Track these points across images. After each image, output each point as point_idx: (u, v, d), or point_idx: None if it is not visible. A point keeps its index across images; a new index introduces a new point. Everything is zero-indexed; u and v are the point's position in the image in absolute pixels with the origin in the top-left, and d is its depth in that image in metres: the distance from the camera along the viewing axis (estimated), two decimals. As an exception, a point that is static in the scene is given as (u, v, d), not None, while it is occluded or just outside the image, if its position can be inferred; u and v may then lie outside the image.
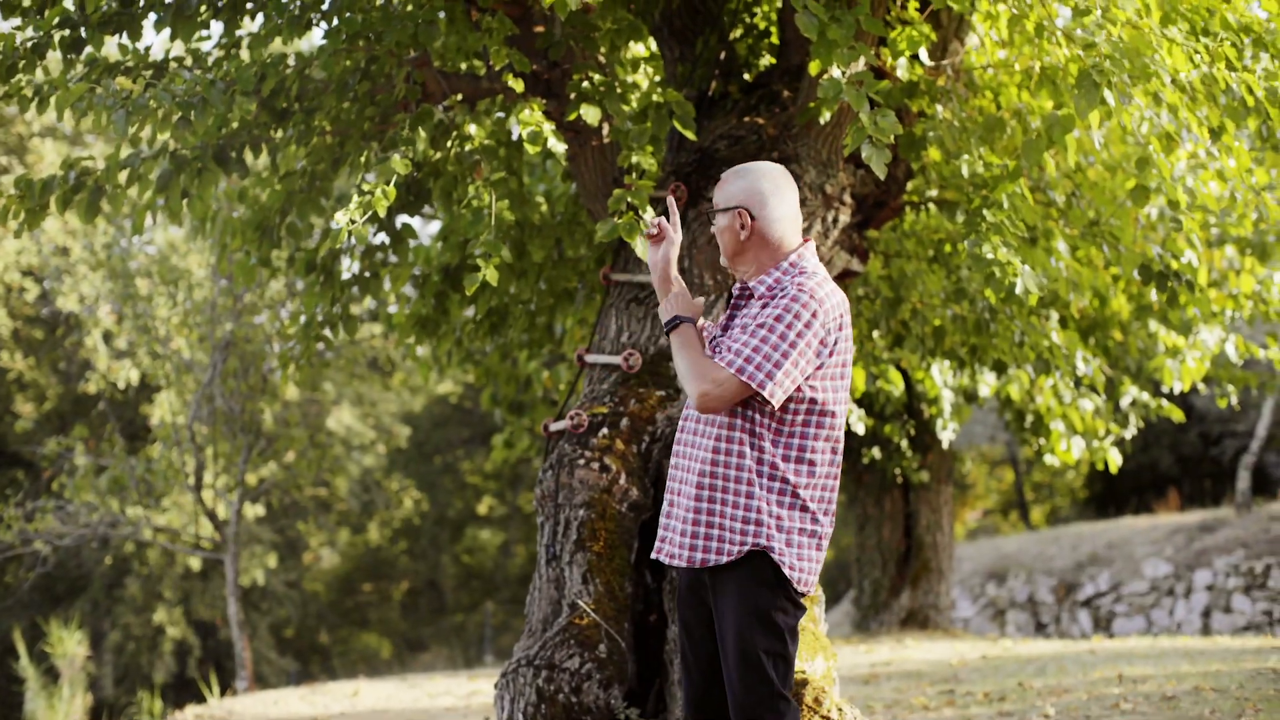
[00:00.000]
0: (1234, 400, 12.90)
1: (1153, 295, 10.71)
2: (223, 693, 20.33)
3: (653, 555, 5.31)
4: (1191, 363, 11.44)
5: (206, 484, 17.43)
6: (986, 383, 13.49)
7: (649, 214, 7.11)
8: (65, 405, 27.70)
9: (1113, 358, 13.41)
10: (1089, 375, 10.70)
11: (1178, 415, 12.46)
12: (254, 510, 21.37)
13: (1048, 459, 13.48)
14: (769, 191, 5.22)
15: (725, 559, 5.09)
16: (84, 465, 17.41)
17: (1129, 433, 13.66)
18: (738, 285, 5.28)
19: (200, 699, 19.58)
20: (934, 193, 9.67)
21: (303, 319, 9.85)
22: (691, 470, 5.16)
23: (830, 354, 5.08)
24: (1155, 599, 21.55)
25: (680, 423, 5.26)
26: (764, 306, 5.08)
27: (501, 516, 39.24)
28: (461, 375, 31.01)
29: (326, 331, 9.41)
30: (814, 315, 5.01)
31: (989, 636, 18.86)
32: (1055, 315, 10.58)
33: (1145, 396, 13.21)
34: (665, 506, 5.27)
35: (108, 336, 21.10)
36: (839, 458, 5.23)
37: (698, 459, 5.15)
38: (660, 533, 5.29)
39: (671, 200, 5.32)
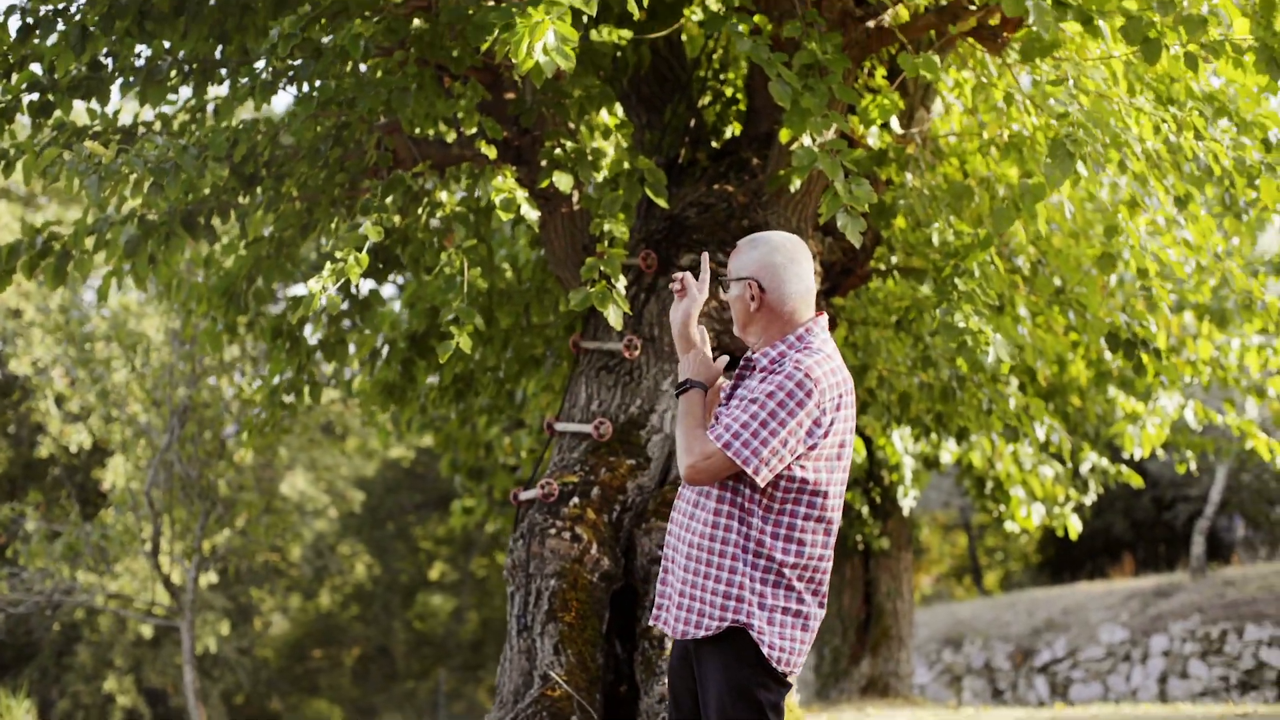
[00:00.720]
0: (1193, 466, 12.96)
1: (1112, 361, 10.76)
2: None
3: (649, 622, 5.28)
4: (1152, 429, 11.48)
5: (163, 550, 17.28)
6: (949, 449, 13.51)
7: (621, 282, 7.10)
8: (16, 470, 27.45)
9: (1072, 423, 13.45)
10: (1055, 443, 10.72)
11: (1137, 481, 12.50)
12: (207, 577, 21.18)
13: (1008, 525, 13.48)
14: (782, 264, 5.12)
15: (705, 633, 5.03)
16: (38, 531, 17.23)
17: (1089, 499, 13.70)
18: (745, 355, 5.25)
19: (152, 768, 19.36)
20: (897, 259, 9.71)
21: (264, 384, 9.81)
22: (683, 540, 5.12)
23: (825, 434, 4.98)
24: (1112, 665, 21.56)
25: (679, 489, 5.21)
26: (762, 380, 5.03)
27: (454, 582, 39.03)
28: (417, 440, 30.90)
29: (290, 397, 9.36)
30: (808, 394, 4.91)
31: (948, 704, 18.82)
32: (1015, 381, 10.61)
33: (1105, 462, 13.25)
34: (661, 573, 5.22)
35: (60, 400, 20.94)
36: (831, 538, 5.10)
37: (689, 529, 5.10)
38: (657, 599, 5.25)
39: (705, 258, 5.22)
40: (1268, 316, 9.63)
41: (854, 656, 16.80)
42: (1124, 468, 12.94)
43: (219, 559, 19.02)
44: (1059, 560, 32.06)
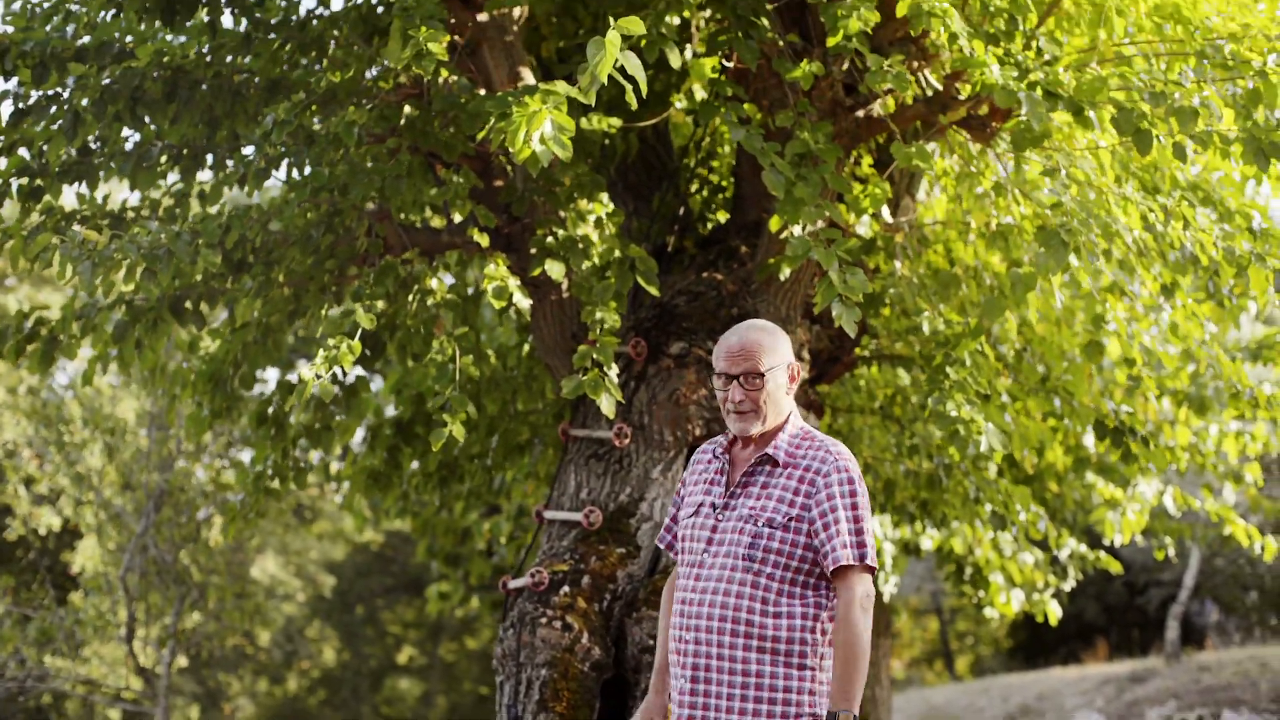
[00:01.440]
0: (1171, 552, 12.99)
1: (1093, 448, 10.79)
2: None
3: None
4: (1132, 515, 11.50)
5: (138, 635, 17.14)
6: (930, 536, 13.50)
7: (613, 371, 7.10)
8: (-17, 552, 27.25)
9: (1050, 509, 13.46)
10: (1041, 530, 10.73)
11: (1116, 567, 12.51)
12: (177, 661, 21.03)
13: (988, 611, 13.46)
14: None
15: None
16: (9, 615, 17.08)
17: (1068, 584, 13.69)
18: (748, 451, 5.23)
19: None
20: (881, 345, 9.73)
21: (241, 469, 9.78)
22: (739, 645, 5.06)
23: None
24: (1088, 751, 21.49)
25: (695, 584, 5.14)
26: (809, 477, 5.06)
27: (422, 666, 38.77)
28: (389, 524, 30.77)
29: (275, 483, 9.33)
30: (860, 479, 5.17)
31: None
32: (994, 468, 10.62)
33: (1083, 548, 13.26)
34: (696, 676, 5.12)
35: (29, 482, 20.81)
36: None
37: (747, 634, 5.06)
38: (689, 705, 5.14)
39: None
40: (1252, 404, 9.67)
41: (832, 744, 16.71)
42: (1103, 554, 12.95)
43: (191, 643, 18.88)
44: (1031, 645, 32.03)
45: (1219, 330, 10.57)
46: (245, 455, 18.21)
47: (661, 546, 5.49)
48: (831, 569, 5.01)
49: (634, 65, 5.63)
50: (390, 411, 11.51)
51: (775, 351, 5.14)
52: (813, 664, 5.05)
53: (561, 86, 5.97)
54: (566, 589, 7.32)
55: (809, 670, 5.04)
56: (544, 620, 7.23)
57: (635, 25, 5.60)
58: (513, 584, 7.53)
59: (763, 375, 5.11)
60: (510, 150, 5.92)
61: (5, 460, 20.09)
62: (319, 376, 6.75)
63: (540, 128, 5.88)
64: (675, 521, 5.45)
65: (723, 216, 9.24)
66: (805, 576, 5.05)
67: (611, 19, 5.76)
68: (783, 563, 5.02)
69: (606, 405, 6.97)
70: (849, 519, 5.02)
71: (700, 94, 9.32)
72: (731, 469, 5.24)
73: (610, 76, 5.66)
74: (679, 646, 5.11)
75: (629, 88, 5.83)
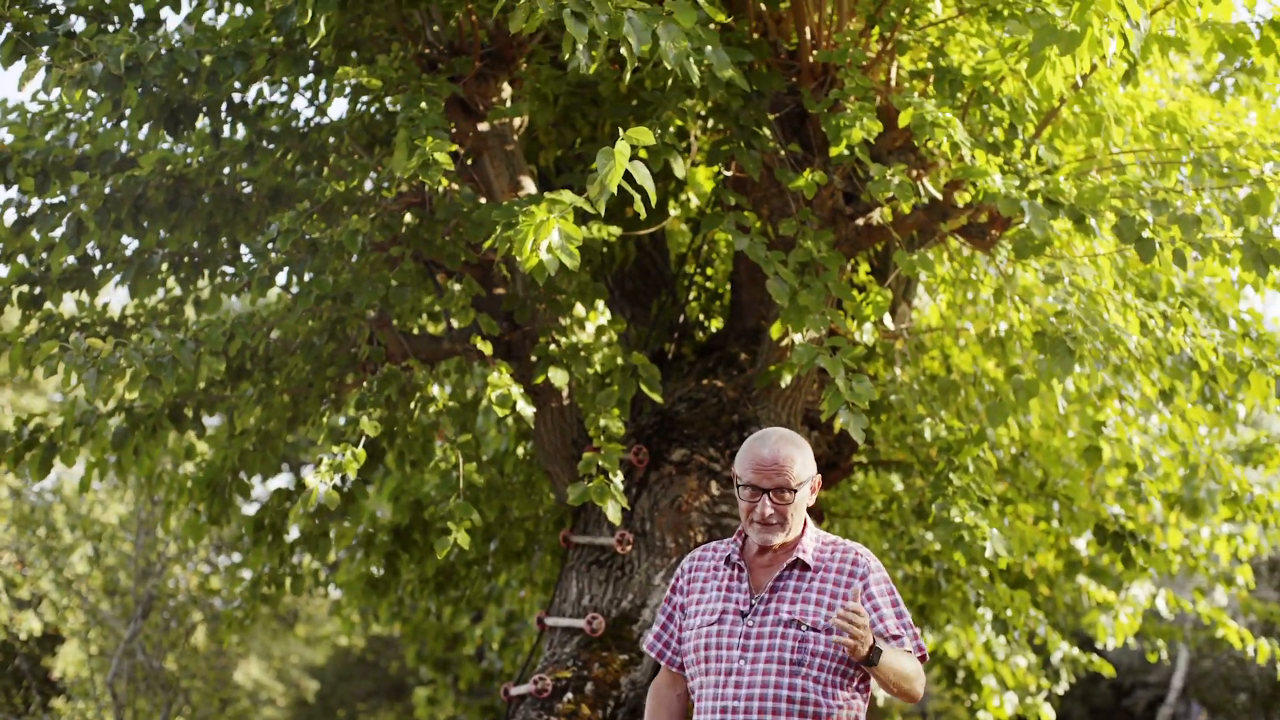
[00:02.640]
0: (1164, 654, 12.97)
1: (1085, 552, 10.80)
2: None
3: None
4: (1125, 618, 11.50)
5: (124, 743, 17.02)
6: (926, 640, 13.48)
7: (618, 478, 7.09)
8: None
9: (1042, 612, 13.44)
10: (1041, 635, 10.72)
11: (1109, 670, 12.47)
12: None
13: (980, 715, 13.40)
14: None
15: None
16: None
17: (1060, 688, 13.64)
18: (767, 557, 5.23)
19: None
20: (872, 451, 9.74)
21: (232, 574, 9.76)
22: None
23: None
24: None
25: (735, 692, 5.11)
26: (844, 580, 5.09)
27: (405, 773, 38.44)
28: (378, 630, 30.59)
29: (270, 589, 9.30)
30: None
31: None
32: (985, 572, 10.61)
33: (1075, 651, 13.22)
34: None
35: (10, 586, 20.69)
36: None
37: None
38: None
39: None
40: (1250, 508, 9.69)
41: None
42: (1095, 656, 12.92)
43: (180, 751, 18.75)
44: (1017, 748, 31.82)
45: (1216, 434, 10.62)
46: (232, 559, 18.14)
47: (652, 655, 5.40)
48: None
49: (643, 175, 5.66)
50: (383, 515, 11.50)
51: (806, 465, 5.13)
52: None
53: (568, 196, 6.00)
54: (570, 696, 7.29)
55: None
56: (548, 728, 7.20)
57: (645, 136, 5.64)
58: (515, 691, 7.50)
59: (795, 490, 5.10)
60: (517, 259, 5.94)
61: (-13, 566, 19.99)
62: (324, 484, 6.73)
63: (548, 237, 5.90)
64: (668, 629, 5.41)
65: (718, 324, 9.28)
66: (844, 679, 5.07)
67: (620, 129, 5.80)
68: (829, 665, 5.03)
69: (612, 512, 6.96)
70: (894, 612, 5.05)
71: (695, 202, 9.39)
72: (752, 575, 5.23)
73: (624, 187, 5.70)
74: None
75: (637, 197, 5.87)
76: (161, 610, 16.82)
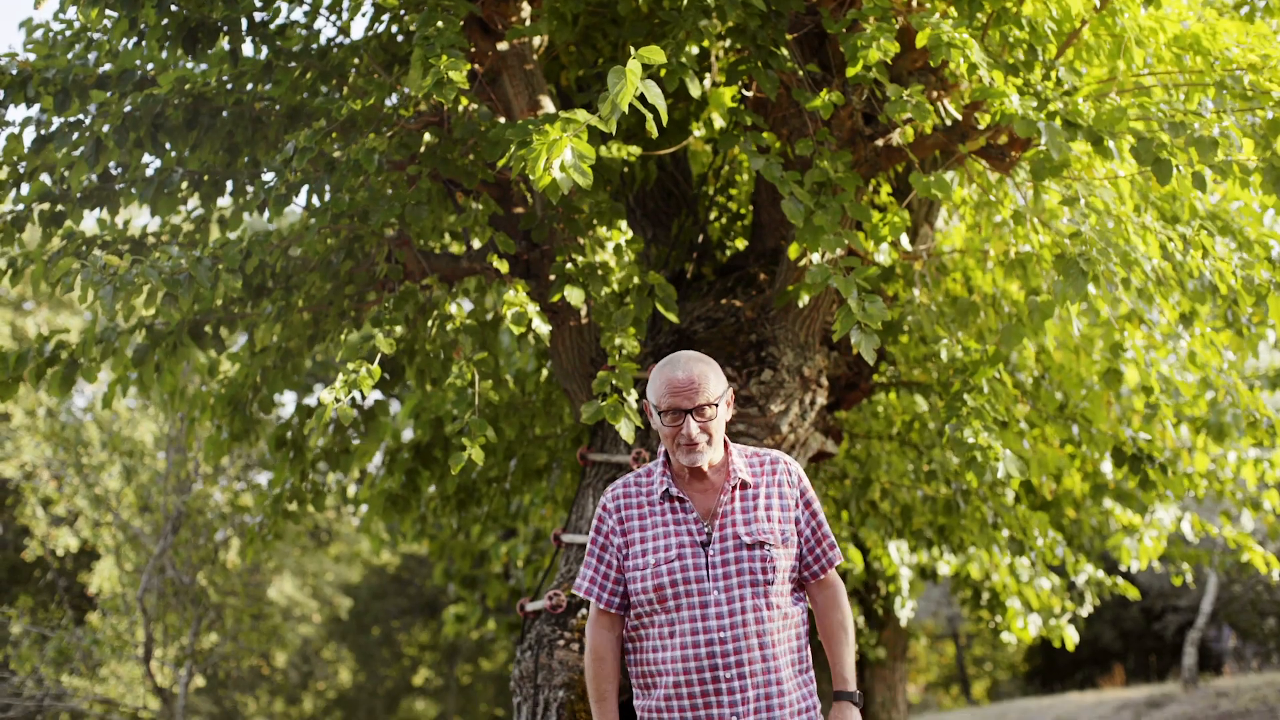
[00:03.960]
0: (1189, 578, 12.97)
1: (1110, 476, 10.79)
2: None
3: None
4: (1149, 542, 11.49)
5: (156, 655, 17.17)
6: (947, 561, 13.50)
7: (632, 396, 7.11)
8: (2, 573, 27.29)
9: (1067, 535, 13.44)
10: (1058, 556, 10.72)
11: (1133, 593, 12.48)
12: (195, 681, 21.07)
13: (1005, 636, 13.44)
14: None
15: None
16: (28, 635, 17.12)
17: (1085, 610, 13.67)
18: (704, 483, 5.31)
19: None
20: (900, 373, 9.74)
21: (261, 492, 9.82)
22: (763, 655, 5.14)
23: None
24: (1105, 776, 21.42)
25: (719, 623, 5.17)
26: (777, 491, 5.32)
27: (438, 688, 38.77)
28: (406, 547, 30.77)
29: (293, 505, 9.35)
30: None
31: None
32: (1011, 494, 10.62)
33: (1100, 574, 13.23)
34: (724, 686, 5.17)
35: (46, 503, 20.87)
36: None
37: (772, 643, 5.15)
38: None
39: None
40: (1269, 431, 9.66)
41: (849, 768, 16.69)
42: (1120, 579, 12.93)
43: (208, 664, 18.91)
44: (1047, 670, 31.97)
45: (1238, 359, 10.57)
46: (263, 478, 18.26)
47: (592, 600, 5.40)
48: (828, 569, 5.36)
49: (654, 94, 5.66)
50: (408, 435, 11.54)
51: (720, 381, 5.26)
52: (810, 668, 5.29)
53: (582, 115, 5.99)
54: (584, 612, 7.34)
55: (810, 674, 5.27)
56: (561, 643, 7.24)
57: (656, 55, 5.63)
58: (531, 606, 7.55)
59: (715, 405, 5.19)
60: (530, 178, 5.94)
61: (24, 482, 20.15)
62: (338, 400, 6.77)
63: (560, 155, 5.89)
64: (600, 570, 5.40)
65: (741, 244, 9.27)
66: (797, 586, 5.22)
67: (632, 48, 5.79)
68: (789, 577, 5.16)
69: (626, 430, 6.99)
70: (824, 521, 5.35)
71: (719, 123, 9.36)
72: (695, 504, 5.27)
73: (630, 105, 5.69)
74: (717, 687, 5.12)
75: (649, 116, 5.86)
76: (191, 526, 16.94)
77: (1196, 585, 25.74)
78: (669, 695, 5.14)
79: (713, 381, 5.22)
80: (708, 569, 5.13)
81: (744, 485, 5.27)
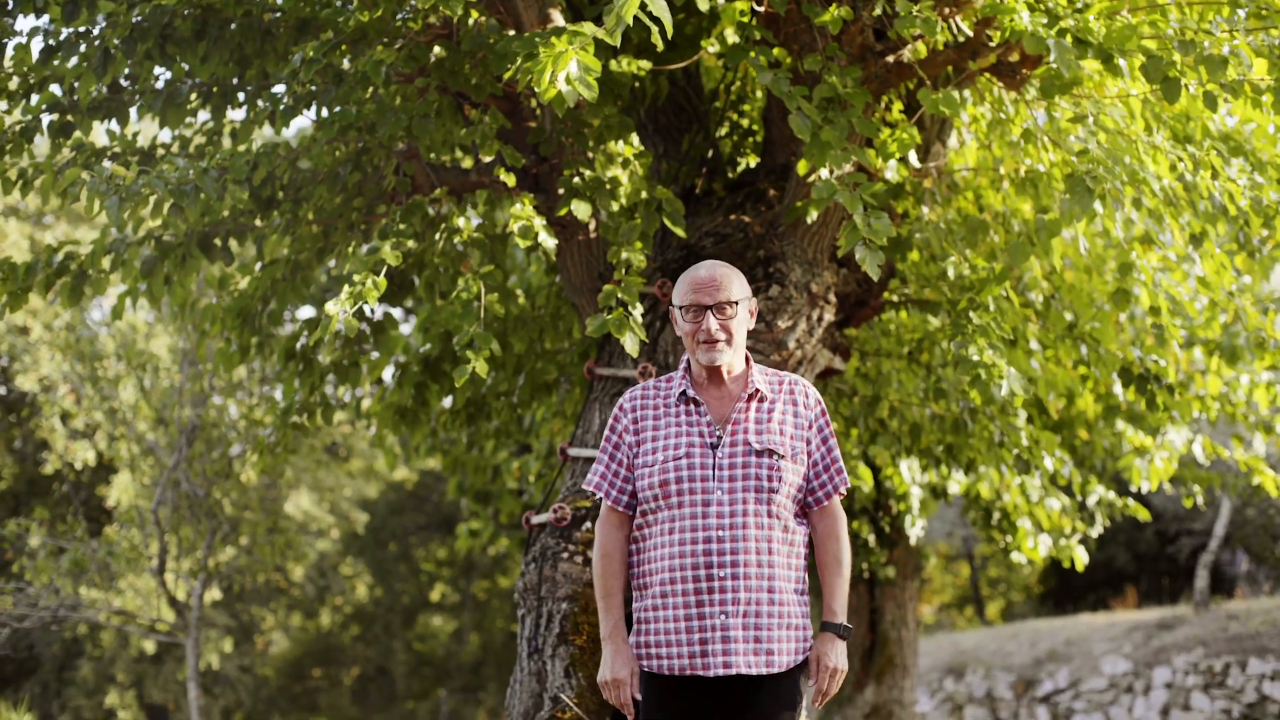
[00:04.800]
0: (1200, 500, 12.98)
1: (1121, 396, 10.79)
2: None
3: (720, 672, 5.21)
4: (1160, 463, 11.49)
5: (169, 567, 17.30)
6: (957, 480, 13.51)
7: (637, 310, 7.11)
8: (21, 485, 27.48)
9: (1079, 456, 13.45)
10: (1065, 475, 10.74)
11: (1144, 515, 12.50)
12: (211, 594, 21.23)
13: (1015, 556, 13.48)
14: None
15: (800, 658, 5.31)
16: (43, 547, 17.24)
17: (1095, 531, 13.69)
18: (722, 390, 5.35)
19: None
20: (910, 291, 9.72)
21: (273, 405, 9.84)
22: (763, 574, 5.19)
23: None
24: (1114, 696, 21.53)
25: (719, 523, 5.21)
26: (793, 409, 5.36)
27: (454, 604, 39.03)
28: (422, 463, 30.88)
29: (302, 419, 9.38)
30: None
31: (951, 733, 18.81)
32: (1023, 414, 10.62)
33: (1111, 495, 13.25)
34: (714, 607, 5.22)
35: (65, 417, 20.98)
36: None
37: (769, 563, 5.21)
38: (706, 646, 5.22)
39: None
40: (1279, 354, 9.64)
41: (858, 684, 16.77)
42: (1130, 501, 12.94)
43: (223, 577, 19.05)
44: (1061, 591, 32.05)
45: (1251, 281, 10.54)
46: (278, 392, 18.33)
47: (600, 495, 5.49)
48: (833, 495, 5.40)
49: (659, 7, 5.64)
50: (423, 349, 11.56)
51: (743, 285, 5.37)
52: (806, 592, 5.35)
53: (588, 28, 5.98)
54: (589, 525, 7.37)
55: (807, 599, 5.29)
56: (565, 555, 7.29)
57: (661, -33, 5.61)
58: (536, 519, 7.59)
59: (735, 304, 5.27)
60: (536, 90, 5.93)
61: (42, 395, 20.25)
62: (344, 312, 6.79)
63: (566, 68, 5.88)
64: (611, 468, 5.47)
65: (752, 160, 9.25)
66: (799, 507, 5.27)
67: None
68: (793, 494, 5.21)
69: (631, 344, 7.00)
70: (836, 448, 5.38)
71: (731, 38, 9.31)
72: (709, 408, 5.33)
73: (641, 20, 5.68)
74: (710, 585, 5.17)
75: (654, 29, 5.84)
76: (206, 439, 17.01)
77: (1210, 509, 25.78)
78: (664, 593, 5.20)
79: (736, 284, 5.34)
80: (714, 470, 5.20)
81: (760, 397, 5.32)
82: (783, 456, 5.22)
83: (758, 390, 5.31)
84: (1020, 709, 22.77)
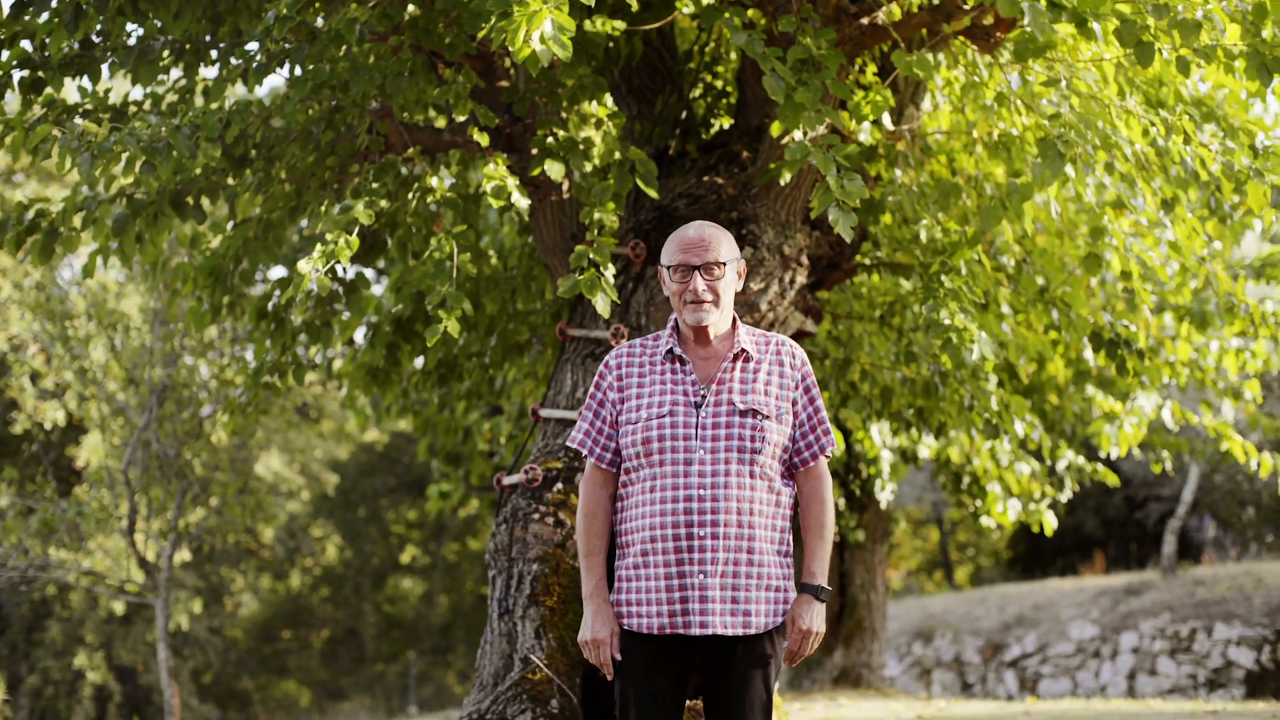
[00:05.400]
0: (1168, 466, 13.04)
1: (1093, 361, 10.82)
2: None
3: (697, 632, 5.22)
4: (1129, 428, 11.54)
5: (139, 528, 17.26)
6: (927, 444, 13.56)
7: (609, 271, 7.10)
8: (-12, 444, 27.38)
9: (1049, 421, 13.50)
10: (1035, 440, 10.77)
11: (1113, 480, 12.56)
12: (181, 555, 21.19)
13: (984, 520, 13.53)
14: None
15: (781, 615, 5.31)
16: (12, 507, 17.19)
17: (1064, 496, 13.75)
18: (708, 350, 5.34)
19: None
20: (883, 254, 9.73)
21: (244, 365, 9.81)
22: (745, 535, 5.21)
23: None
24: (1081, 661, 21.67)
25: (700, 481, 5.22)
26: (779, 370, 5.36)
27: (424, 566, 39.03)
28: (393, 425, 30.83)
29: (274, 379, 9.35)
30: None
31: (920, 696, 18.90)
32: (994, 378, 10.65)
33: (1081, 460, 13.30)
34: (692, 568, 5.22)
35: (35, 377, 20.89)
36: None
37: (750, 524, 5.22)
38: (684, 605, 5.24)
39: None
40: (1248, 320, 9.68)
41: (827, 647, 16.84)
42: (1100, 466, 13.00)
43: (194, 538, 19.01)
44: (1029, 557, 32.20)
45: (1221, 247, 10.58)
46: (248, 352, 18.28)
47: (584, 451, 5.46)
48: (819, 456, 5.37)
49: (634, -34, 5.62)
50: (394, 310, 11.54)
51: (732, 246, 5.35)
52: (789, 553, 5.32)
53: (563, -14, 5.96)
54: (560, 486, 7.38)
55: (789, 560, 5.27)
56: (536, 516, 7.30)
57: (636, -74, 5.59)
58: (507, 480, 7.59)
59: (724, 265, 5.27)
60: (511, 50, 5.91)
61: (11, 355, 20.16)
62: (316, 271, 6.77)
63: (540, 27, 5.87)
64: (595, 424, 5.47)
65: (726, 121, 9.23)
66: (784, 467, 5.27)
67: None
68: (778, 454, 5.22)
69: (602, 305, 6.99)
70: (823, 409, 5.36)
71: (707, -1, 9.29)
72: (695, 367, 5.34)
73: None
74: (690, 544, 5.17)
75: (629, -12, 5.83)
76: (176, 399, 16.96)
77: (1178, 474, 25.90)
78: (645, 551, 5.19)
79: (724, 245, 5.31)
80: (697, 429, 5.19)
81: (746, 357, 5.32)
82: (767, 417, 5.22)
83: (744, 350, 5.31)
84: (988, 673, 22.90)
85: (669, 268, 5.30)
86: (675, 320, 5.41)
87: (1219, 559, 27.90)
